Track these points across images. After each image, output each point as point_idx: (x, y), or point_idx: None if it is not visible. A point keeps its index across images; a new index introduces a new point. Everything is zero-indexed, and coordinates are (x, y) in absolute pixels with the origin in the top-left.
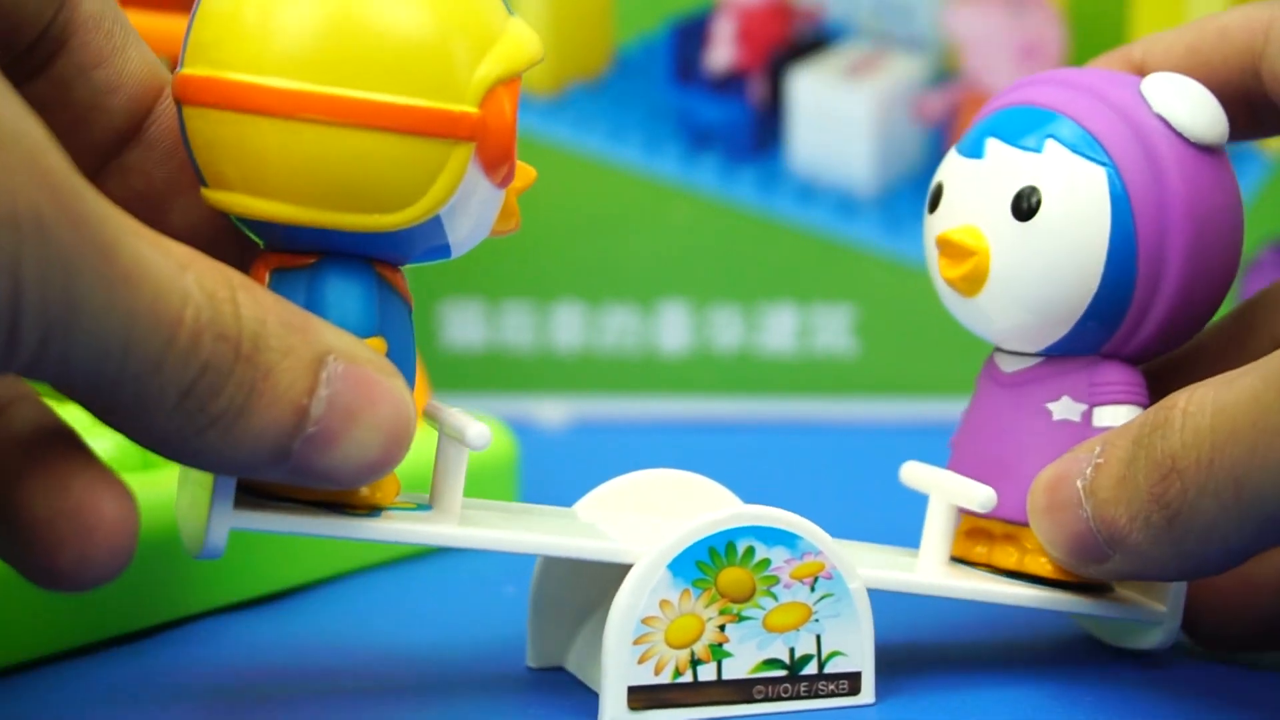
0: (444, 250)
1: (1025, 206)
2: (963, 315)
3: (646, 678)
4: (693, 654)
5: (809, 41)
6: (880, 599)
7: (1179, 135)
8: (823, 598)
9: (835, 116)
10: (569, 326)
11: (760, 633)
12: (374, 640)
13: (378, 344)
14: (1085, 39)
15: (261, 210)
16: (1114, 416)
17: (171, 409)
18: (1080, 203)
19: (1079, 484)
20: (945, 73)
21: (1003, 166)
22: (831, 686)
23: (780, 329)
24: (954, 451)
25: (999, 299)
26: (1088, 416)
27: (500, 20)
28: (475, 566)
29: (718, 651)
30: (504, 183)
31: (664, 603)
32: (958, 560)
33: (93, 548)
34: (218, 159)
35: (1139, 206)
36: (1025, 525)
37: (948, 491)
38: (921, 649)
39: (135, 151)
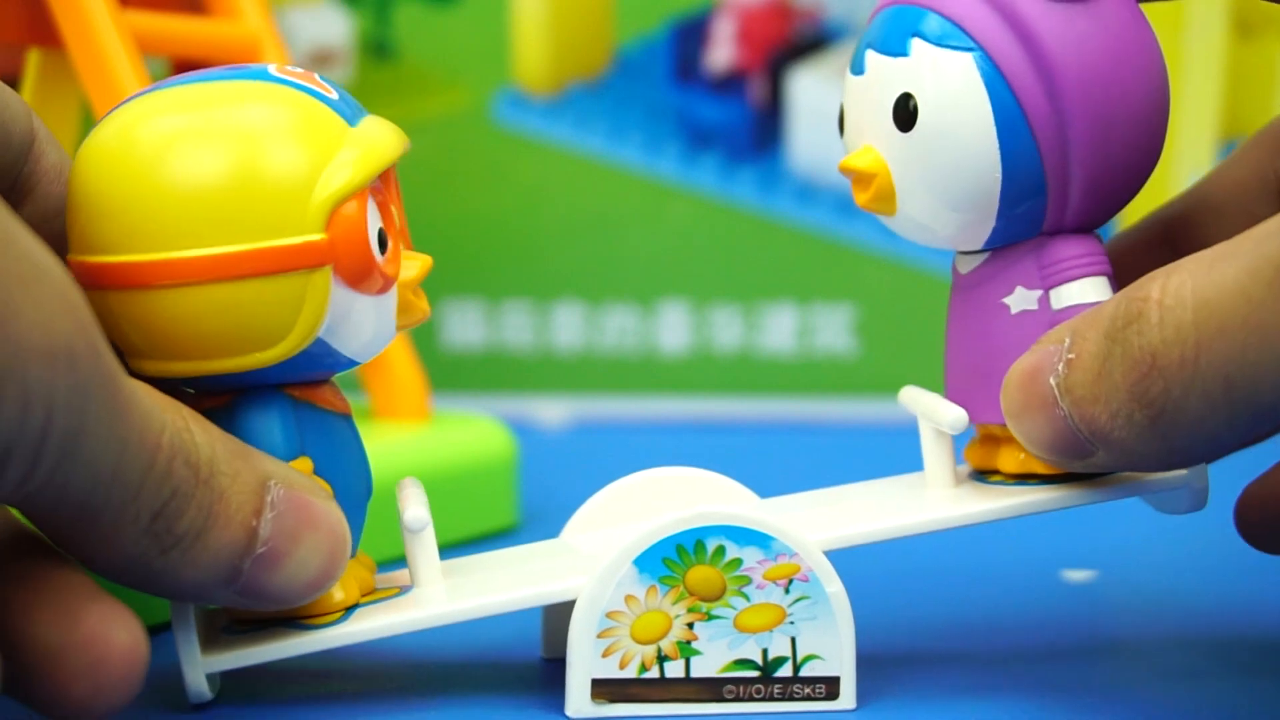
0: (346, 362)
1: (904, 116)
2: (901, 232)
3: (611, 671)
4: (659, 650)
5: (809, 41)
6: (867, 604)
7: None
8: (798, 600)
9: (835, 117)
10: (569, 326)
11: (731, 632)
12: (375, 641)
13: (304, 464)
14: None
15: (158, 370)
16: (1072, 294)
17: (142, 532)
18: (954, 96)
19: (1052, 380)
20: None
21: (880, 78)
22: (808, 690)
23: (780, 329)
24: (945, 366)
25: (915, 211)
26: (1045, 301)
27: (335, 138)
28: None
29: (686, 649)
30: (382, 290)
31: (629, 598)
32: (979, 472)
33: (106, 679)
34: (112, 331)
35: (1016, 81)
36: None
37: (924, 412)
38: (910, 655)
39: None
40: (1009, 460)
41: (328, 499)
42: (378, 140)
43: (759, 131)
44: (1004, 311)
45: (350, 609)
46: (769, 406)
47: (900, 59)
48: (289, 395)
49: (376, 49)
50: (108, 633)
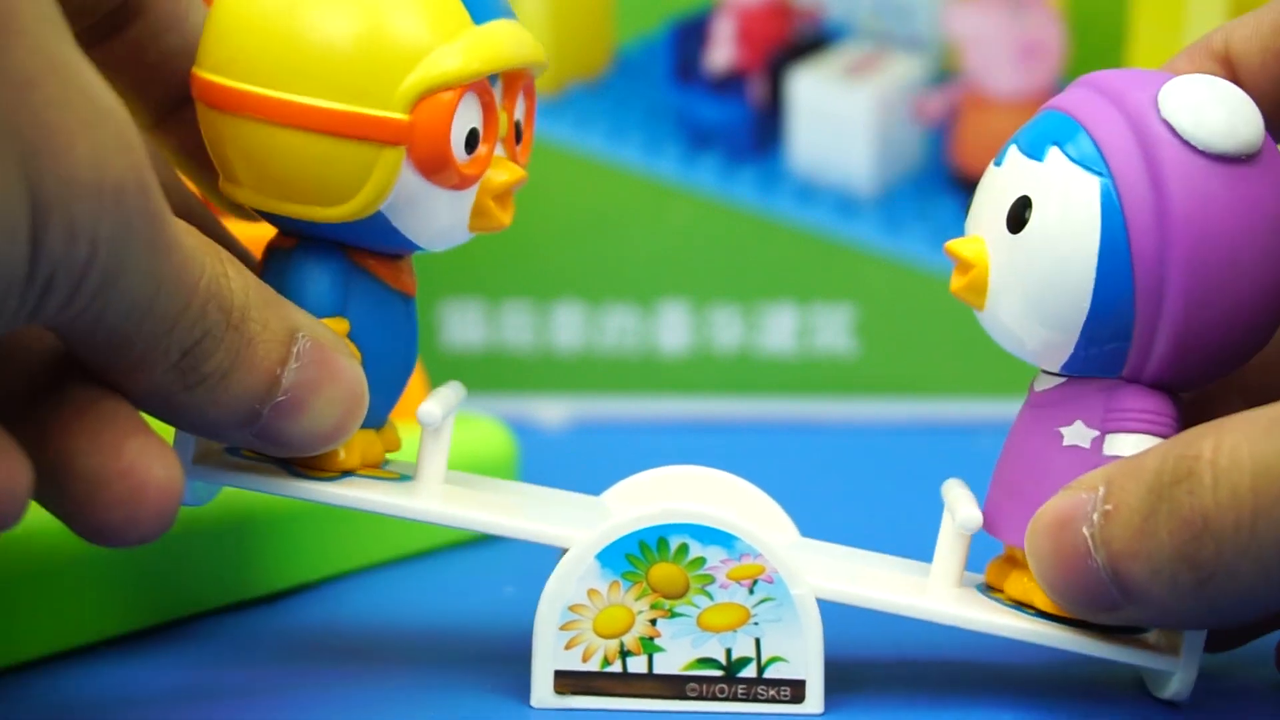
0: (410, 244)
1: (1017, 218)
2: (989, 330)
3: (574, 664)
4: (622, 645)
5: (809, 41)
6: (843, 611)
7: (1186, 143)
8: (762, 601)
9: (835, 116)
10: (569, 326)
11: (694, 630)
12: (373, 639)
13: (339, 324)
14: (1085, 39)
15: (239, 196)
16: (1125, 446)
17: (170, 367)
18: (1069, 213)
19: (1086, 531)
20: (945, 73)
21: (1011, 176)
22: (772, 692)
23: (780, 329)
24: (993, 474)
25: (1000, 312)
26: (1098, 444)
27: (453, 26)
28: (474, 567)
29: (649, 645)
30: (461, 185)
31: (592, 592)
32: (989, 587)
33: (142, 509)
34: (215, 150)
35: (1132, 217)
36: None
37: (948, 505)
38: (886, 664)
39: (190, 109)
40: (1015, 584)
41: (350, 356)
42: (493, 43)
43: (759, 131)
44: (1057, 440)
45: (347, 474)
46: (769, 406)
47: (1034, 163)
48: (348, 258)
49: None
50: (147, 465)
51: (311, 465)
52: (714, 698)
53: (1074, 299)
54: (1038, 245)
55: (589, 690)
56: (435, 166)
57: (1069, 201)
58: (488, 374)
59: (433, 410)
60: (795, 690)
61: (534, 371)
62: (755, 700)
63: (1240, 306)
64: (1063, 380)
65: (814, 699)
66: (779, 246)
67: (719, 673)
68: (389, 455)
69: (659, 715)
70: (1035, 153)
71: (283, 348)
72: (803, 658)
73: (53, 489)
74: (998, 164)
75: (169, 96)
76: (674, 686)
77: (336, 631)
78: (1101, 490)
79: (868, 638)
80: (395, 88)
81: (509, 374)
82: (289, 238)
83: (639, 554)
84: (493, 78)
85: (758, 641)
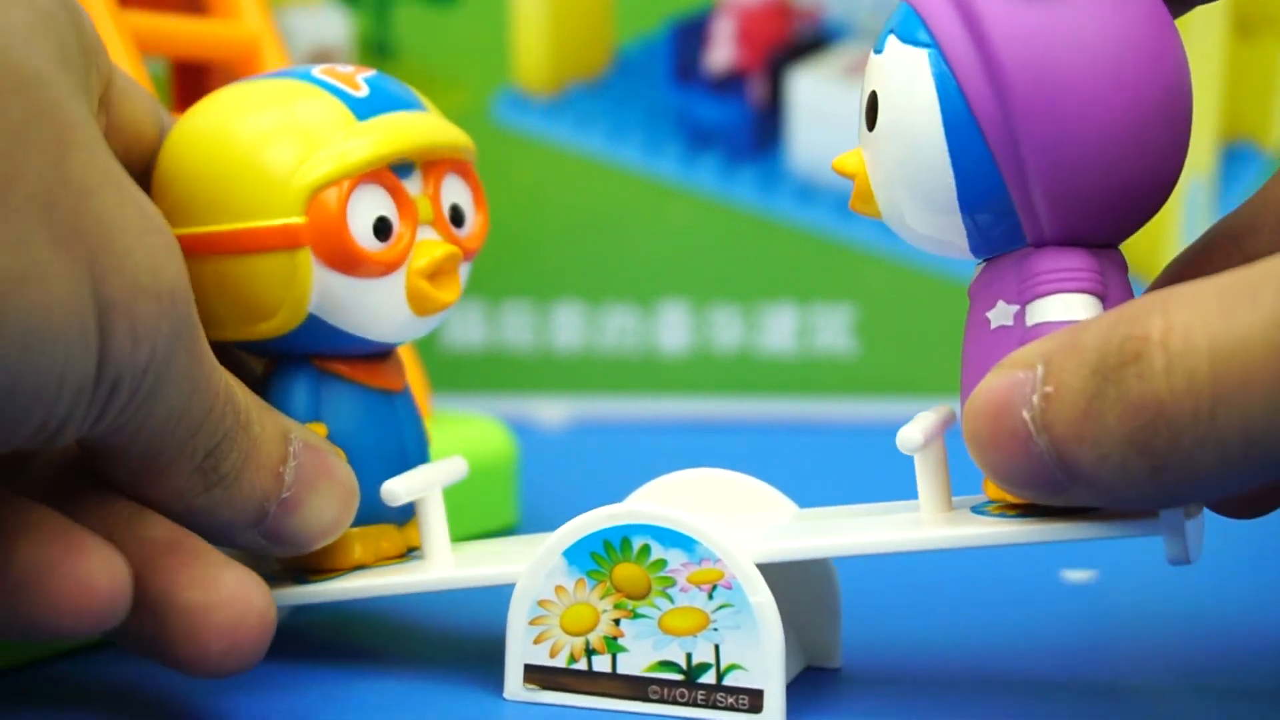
0: (363, 341)
1: (870, 115)
2: (901, 235)
3: (542, 658)
4: (588, 643)
5: (809, 41)
6: (865, 599)
7: None
8: (721, 607)
9: (835, 116)
10: (569, 326)
11: (655, 632)
12: (355, 633)
13: (318, 428)
14: None
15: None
16: (1046, 311)
17: (194, 469)
18: (907, 94)
19: (1026, 414)
20: None
21: (867, 75)
22: (731, 700)
23: (780, 329)
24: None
25: (896, 216)
26: (1020, 317)
27: (334, 128)
28: None
29: (612, 645)
30: (384, 272)
31: (559, 588)
32: (990, 500)
33: (243, 638)
34: None
35: (965, 80)
36: None
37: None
38: (906, 654)
39: None
40: (990, 485)
41: (338, 456)
42: (377, 134)
43: (759, 131)
44: (984, 327)
45: (361, 570)
46: (769, 406)
47: (877, 56)
48: (315, 366)
49: (376, 49)
50: (247, 596)
51: (325, 568)
52: (675, 701)
53: (937, 176)
54: (890, 134)
55: (556, 686)
56: (345, 260)
57: (904, 82)
58: (488, 374)
59: (394, 490)
60: (753, 700)
61: (534, 371)
62: (715, 707)
63: (1103, 137)
64: (981, 267)
65: (773, 709)
66: (779, 246)
67: (679, 677)
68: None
69: (623, 715)
70: (878, 46)
71: (282, 447)
72: (762, 667)
73: (146, 625)
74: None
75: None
76: (637, 687)
77: (321, 625)
78: (1040, 370)
79: (886, 627)
80: (286, 192)
81: (509, 374)
82: (270, 360)
83: (603, 553)
84: (405, 167)
85: (717, 648)
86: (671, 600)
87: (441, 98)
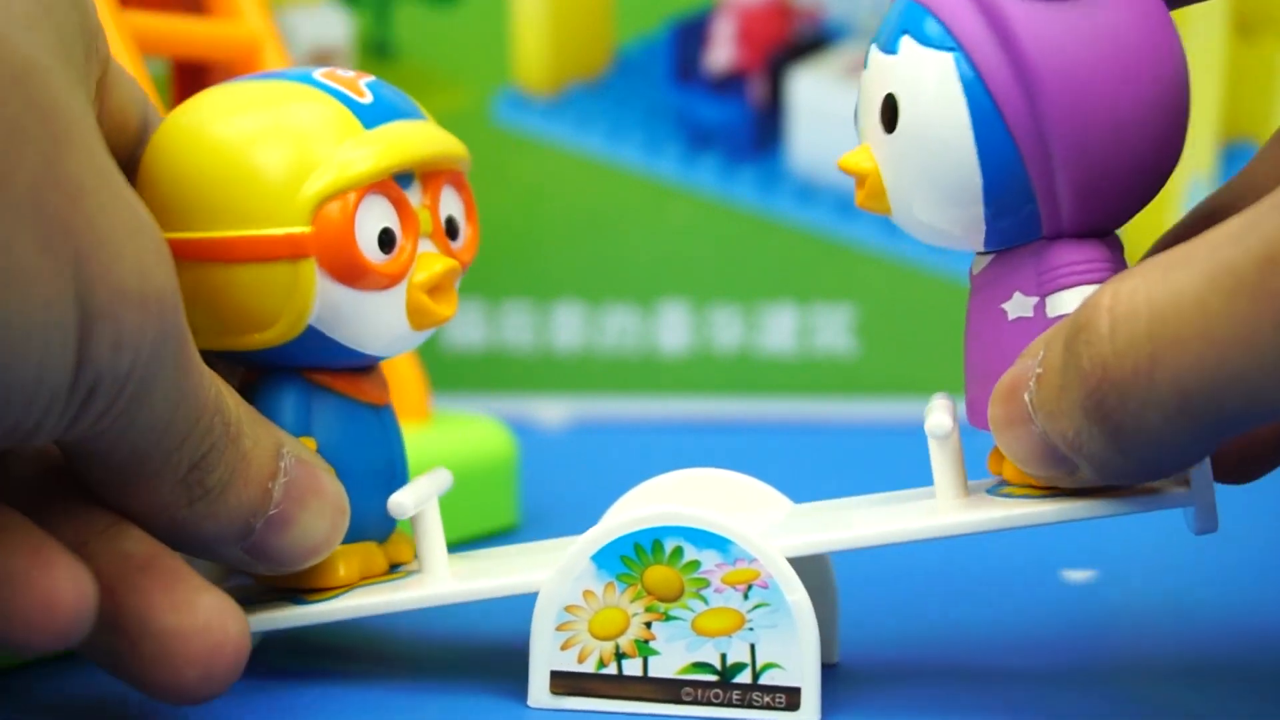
0: (357, 354)
1: (889, 116)
2: (907, 230)
3: (569, 664)
4: (617, 647)
5: (809, 41)
6: (865, 602)
7: None
8: (757, 606)
9: (835, 116)
10: (569, 326)
11: (689, 634)
12: (373, 639)
13: (307, 443)
14: None
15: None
16: (1066, 302)
17: (178, 481)
18: (932, 97)
19: (1026, 397)
20: None
21: (876, 75)
22: (767, 699)
23: (780, 329)
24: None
25: (905, 211)
26: (1040, 309)
27: (341, 136)
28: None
29: (644, 648)
30: (386, 285)
31: (587, 593)
32: (1003, 482)
33: (218, 665)
34: None
35: (993, 82)
36: None
37: (925, 418)
38: (909, 654)
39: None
40: (1010, 467)
41: (330, 473)
42: (386, 144)
43: (759, 131)
44: (1003, 318)
45: (351, 589)
46: (769, 406)
47: (891, 57)
48: (305, 379)
49: (376, 49)
50: (224, 622)
51: (312, 587)
52: (709, 703)
53: (965, 176)
54: (914, 137)
55: (584, 691)
56: (350, 272)
57: (930, 85)
58: (488, 374)
59: (403, 502)
60: (790, 698)
61: (534, 371)
62: (750, 706)
63: (1121, 130)
64: (992, 258)
65: (809, 707)
66: (779, 246)
67: (714, 678)
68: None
69: (654, 719)
70: (890, 46)
71: (273, 462)
72: (798, 665)
73: (117, 645)
74: (866, 68)
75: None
76: (669, 690)
77: (337, 632)
78: (1041, 354)
79: (887, 628)
80: (292, 202)
81: (509, 374)
82: (253, 371)
83: (634, 556)
84: (405, 177)
85: (753, 647)
86: (706, 601)
87: (441, 98)
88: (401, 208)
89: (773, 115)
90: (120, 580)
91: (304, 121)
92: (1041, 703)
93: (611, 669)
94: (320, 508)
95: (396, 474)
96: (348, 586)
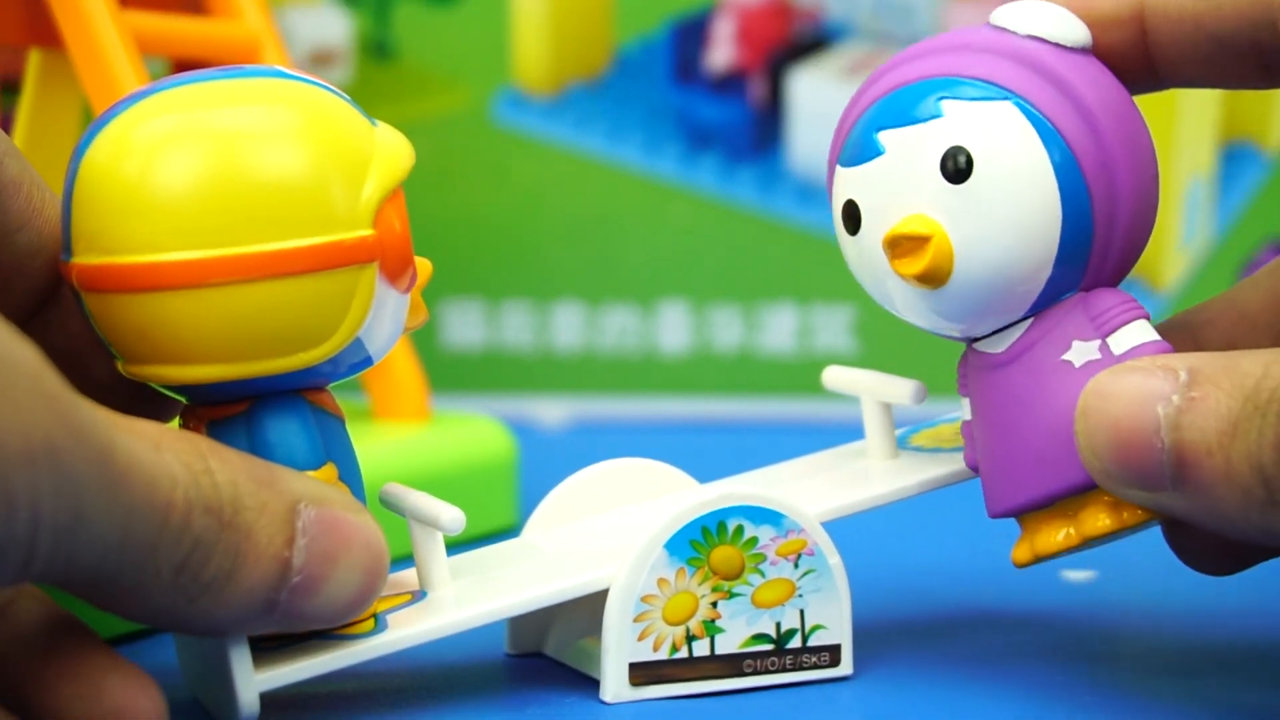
0: (366, 362)
1: (956, 167)
2: (936, 313)
3: (645, 654)
4: (688, 630)
5: (809, 41)
6: (866, 601)
7: (1059, 46)
8: (806, 573)
9: (835, 116)
10: (569, 326)
11: (749, 609)
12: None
13: (329, 472)
14: None
15: (185, 376)
16: (1131, 336)
17: (167, 585)
18: (1006, 140)
19: (1160, 409)
20: None
21: (909, 148)
22: (814, 659)
23: (780, 329)
24: (983, 467)
25: (972, 272)
26: (1106, 350)
27: (368, 136)
28: None
29: (710, 628)
30: (409, 287)
31: (661, 581)
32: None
33: None
34: (127, 338)
35: (1060, 123)
36: (1094, 489)
37: (874, 391)
38: (909, 654)
39: (54, 309)
40: (1049, 539)
41: (361, 510)
42: (398, 140)
43: (759, 131)
44: (1068, 369)
45: (378, 615)
46: (769, 406)
47: (933, 122)
48: (307, 400)
49: (376, 49)
50: (133, 702)
51: (347, 624)
52: (767, 671)
53: (1046, 217)
54: (992, 181)
55: (660, 679)
56: (401, 270)
57: (999, 130)
58: (488, 374)
59: (457, 515)
60: (833, 655)
61: (534, 371)
62: (800, 669)
63: (1150, 181)
64: (1026, 325)
65: (846, 661)
66: (779, 246)
67: (770, 647)
68: None
69: (718, 694)
70: (924, 116)
71: (287, 527)
72: (839, 623)
73: None
74: (872, 156)
75: (26, 301)
76: (732, 665)
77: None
78: (1184, 375)
79: (888, 629)
80: (354, 206)
81: (509, 374)
82: (236, 403)
83: (701, 539)
84: None
85: (802, 613)
86: (763, 575)
87: (441, 98)
88: (401, 207)
89: (773, 115)
90: (25, 679)
91: (338, 118)
92: (1041, 702)
93: (683, 653)
94: (351, 561)
95: (363, 489)
96: (372, 614)
